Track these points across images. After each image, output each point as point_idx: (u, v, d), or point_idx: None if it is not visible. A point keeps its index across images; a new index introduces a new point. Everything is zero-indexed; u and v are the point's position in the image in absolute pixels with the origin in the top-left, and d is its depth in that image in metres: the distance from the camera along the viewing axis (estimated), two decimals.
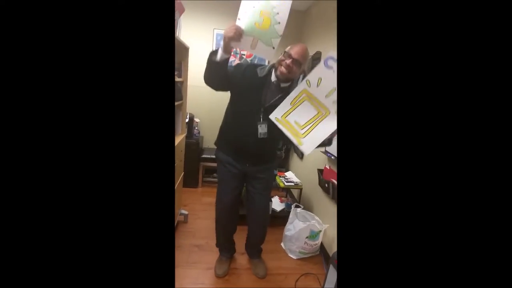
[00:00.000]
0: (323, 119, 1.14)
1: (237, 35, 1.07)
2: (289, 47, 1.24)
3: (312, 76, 1.11)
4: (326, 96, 1.12)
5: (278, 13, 1.07)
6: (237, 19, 1.09)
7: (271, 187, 1.61)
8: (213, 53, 1.21)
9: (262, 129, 1.31)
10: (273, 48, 1.12)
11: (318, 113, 1.14)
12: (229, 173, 1.46)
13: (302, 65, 1.24)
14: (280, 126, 1.19)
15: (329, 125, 1.13)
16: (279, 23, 1.08)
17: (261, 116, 1.30)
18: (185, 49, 1.81)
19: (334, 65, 1.07)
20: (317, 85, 1.11)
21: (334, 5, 2.14)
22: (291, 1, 1.07)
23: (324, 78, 1.10)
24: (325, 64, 1.08)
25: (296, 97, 1.16)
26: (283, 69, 1.23)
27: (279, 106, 1.18)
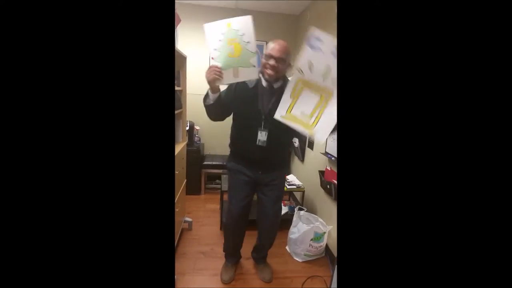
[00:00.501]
0: (328, 101, 1.09)
1: (218, 75, 1.12)
2: (267, 47, 1.24)
3: (302, 62, 1.08)
4: (324, 78, 1.08)
5: (244, 34, 1.08)
6: (211, 59, 1.13)
7: (283, 194, 1.59)
8: (206, 97, 1.26)
9: (261, 136, 1.31)
10: (254, 66, 1.13)
11: (320, 97, 1.10)
12: (241, 181, 1.46)
13: (286, 61, 1.24)
14: (287, 122, 1.15)
15: (336, 106, 1.06)
16: (248, 42, 1.09)
17: (262, 124, 1.31)
18: (183, 58, 1.83)
19: (318, 43, 1.03)
20: (310, 70, 1.08)
21: (327, 8, 2.17)
22: (250, 16, 1.08)
23: (314, 61, 1.06)
24: (309, 45, 1.04)
25: (293, 88, 1.13)
26: (269, 71, 1.23)
27: (280, 104, 1.15)
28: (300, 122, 1.14)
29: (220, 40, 1.10)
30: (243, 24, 1.08)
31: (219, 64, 1.12)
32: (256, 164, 1.41)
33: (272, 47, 1.22)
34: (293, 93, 1.13)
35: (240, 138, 1.41)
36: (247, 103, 1.32)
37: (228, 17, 1.10)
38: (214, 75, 1.12)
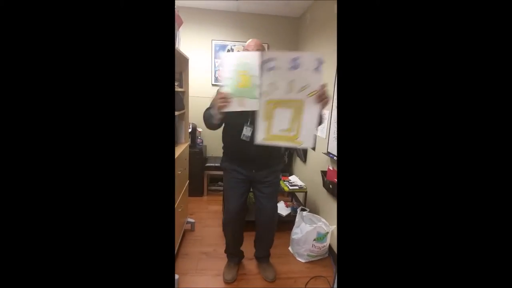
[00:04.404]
0: (302, 109, 1.14)
1: (227, 103, 1.16)
2: (245, 46, 1.31)
3: (264, 85, 1.12)
4: (289, 92, 1.12)
5: (251, 68, 1.13)
6: (222, 86, 1.20)
7: (278, 190, 1.62)
8: (209, 117, 1.32)
9: (246, 131, 1.35)
10: (257, 98, 1.16)
11: (293, 109, 1.14)
12: (235, 180, 1.49)
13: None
14: (271, 143, 1.19)
15: (310, 111, 1.13)
16: (254, 75, 1.14)
17: (249, 120, 1.34)
18: (185, 60, 1.86)
19: (272, 63, 1.08)
20: (275, 89, 1.12)
21: (327, 10, 2.19)
22: (259, 52, 1.13)
23: (275, 80, 1.11)
24: (265, 68, 1.09)
25: (264, 111, 1.15)
26: None
27: (257, 130, 1.18)
28: (282, 139, 1.18)
29: (233, 70, 1.16)
30: (252, 59, 1.14)
31: (229, 91, 1.16)
32: (249, 163, 1.45)
33: (249, 46, 1.32)
34: (265, 116, 1.16)
35: (230, 136, 1.45)
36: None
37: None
38: (225, 103, 1.16)
